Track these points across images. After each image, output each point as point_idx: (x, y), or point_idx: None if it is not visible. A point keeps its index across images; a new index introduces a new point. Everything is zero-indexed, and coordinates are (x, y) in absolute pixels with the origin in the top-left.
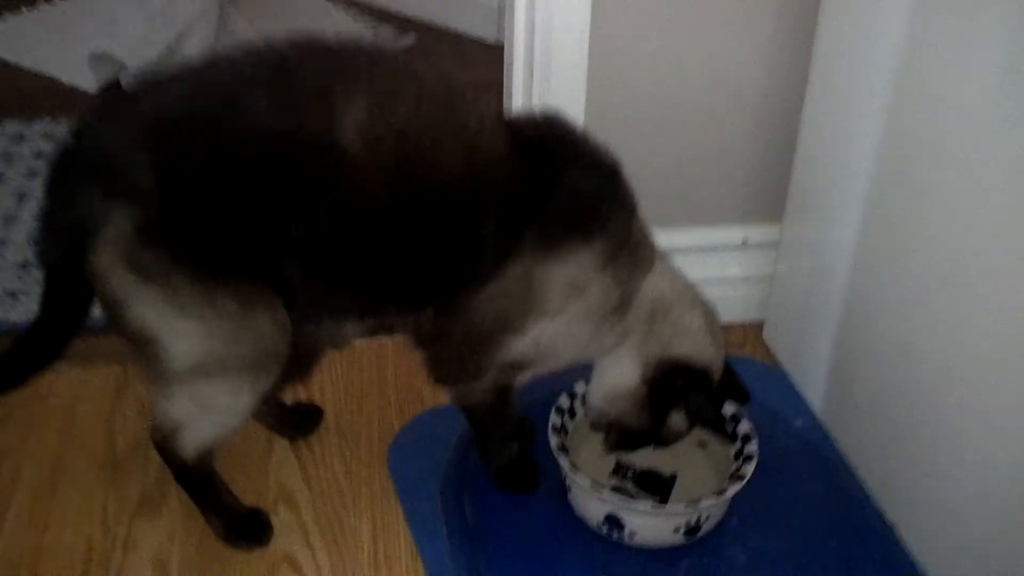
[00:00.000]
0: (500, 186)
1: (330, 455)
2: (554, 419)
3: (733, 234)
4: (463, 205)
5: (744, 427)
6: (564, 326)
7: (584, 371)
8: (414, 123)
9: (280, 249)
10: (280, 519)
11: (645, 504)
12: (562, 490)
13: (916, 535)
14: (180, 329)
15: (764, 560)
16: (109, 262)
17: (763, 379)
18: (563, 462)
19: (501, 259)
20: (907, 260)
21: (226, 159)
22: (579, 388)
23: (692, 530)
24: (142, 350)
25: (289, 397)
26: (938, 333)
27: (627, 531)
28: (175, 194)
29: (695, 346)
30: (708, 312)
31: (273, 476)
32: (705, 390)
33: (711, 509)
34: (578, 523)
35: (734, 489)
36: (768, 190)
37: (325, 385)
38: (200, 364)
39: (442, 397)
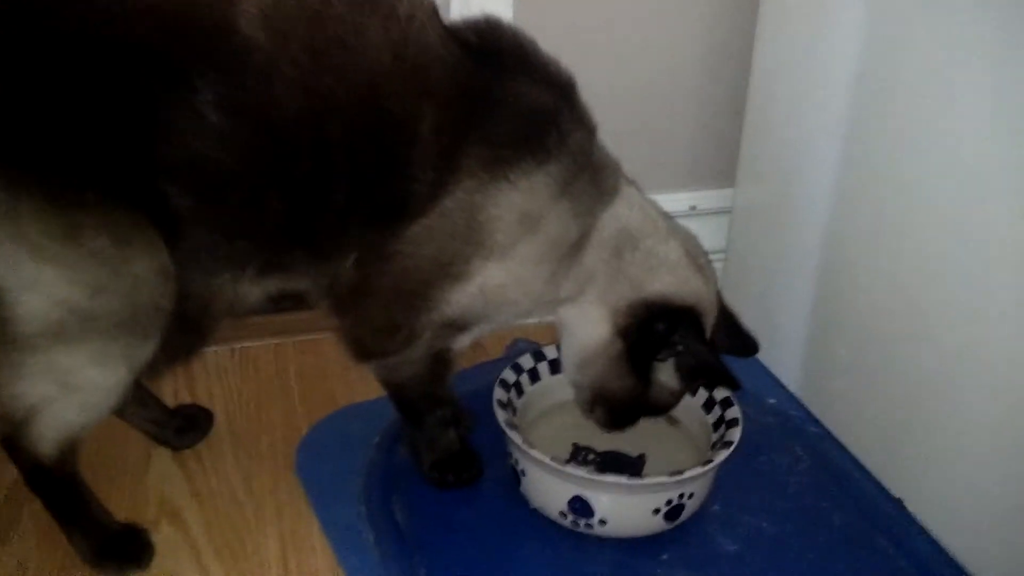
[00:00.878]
0: (436, 90)
1: (223, 464)
2: (499, 393)
3: (680, 201)
4: (391, 110)
5: (721, 392)
6: (515, 268)
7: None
8: (331, 4)
9: (160, 166)
10: (163, 537)
11: (619, 478)
12: (512, 480)
13: (926, 506)
14: (32, 277)
15: (757, 545)
16: None
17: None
18: (514, 437)
19: (438, 183)
20: (890, 217)
21: (88, 42)
22: (526, 362)
23: (673, 512)
24: None
25: (171, 400)
26: (925, 293)
27: (596, 517)
28: (19, 90)
29: (673, 281)
30: (689, 241)
31: (153, 490)
32: (694, 331)
33: (697, 483)
34: (535, 516)
35: (722, 456)
36: (716, 151)
37: (214, 390)
38: (58, 324)
39: (358, 394)
